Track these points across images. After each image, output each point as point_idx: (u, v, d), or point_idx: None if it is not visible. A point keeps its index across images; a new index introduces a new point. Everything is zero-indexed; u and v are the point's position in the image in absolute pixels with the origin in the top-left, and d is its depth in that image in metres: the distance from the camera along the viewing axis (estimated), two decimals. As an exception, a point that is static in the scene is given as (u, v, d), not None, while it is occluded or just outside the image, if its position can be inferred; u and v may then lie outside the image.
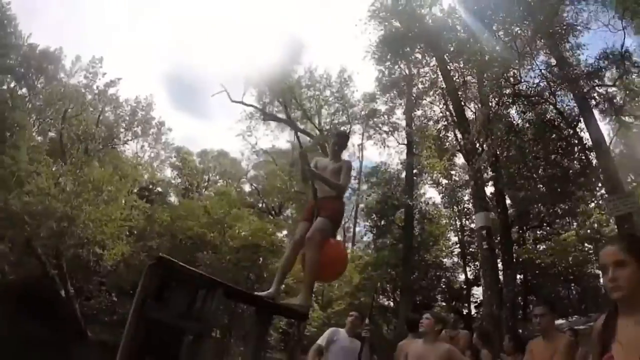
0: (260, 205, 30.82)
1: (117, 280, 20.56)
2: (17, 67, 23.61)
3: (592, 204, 19.14)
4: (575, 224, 20.97)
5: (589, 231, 19.41)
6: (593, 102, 13.23)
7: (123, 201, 20.89)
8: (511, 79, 13.80)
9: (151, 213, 23.07)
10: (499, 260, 14.72)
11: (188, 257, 19.92)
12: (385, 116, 23.15)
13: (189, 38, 46.59)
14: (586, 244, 20.13)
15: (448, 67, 16.48)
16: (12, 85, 23.57)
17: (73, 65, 25.40)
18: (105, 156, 23.17)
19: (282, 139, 33.60)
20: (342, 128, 26.14)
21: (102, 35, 43.69)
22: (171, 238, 23.19)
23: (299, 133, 25.83)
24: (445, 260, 24.92)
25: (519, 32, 13.33)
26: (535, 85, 14.01)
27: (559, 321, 12.45)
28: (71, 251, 19.08)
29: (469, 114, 16.68)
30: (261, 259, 22.83)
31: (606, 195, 12.44)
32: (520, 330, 13.34)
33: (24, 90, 24.28)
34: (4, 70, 22.53)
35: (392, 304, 23.04)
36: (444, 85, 16.82)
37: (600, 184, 13.34)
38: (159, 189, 28.95)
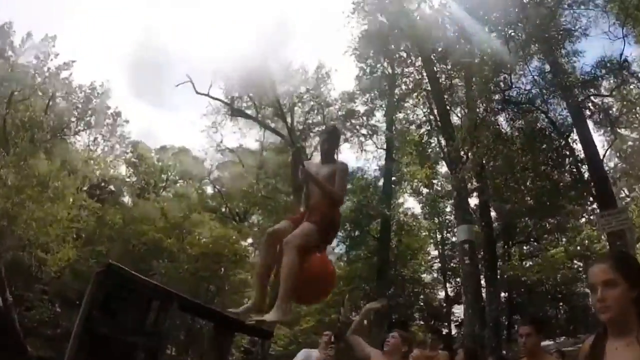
0: (223, 209, 30.65)
1: (62, 289, 20.15)
2: (-41, 40, 22.81)
3: (583, 219, 19.63)
4: (564, 239, 21.51)
5: (578, 248, 19.95)
6: (587, 112, 13.56)
7: (71, 199, 20.38)
8: (501, 84, 14.01)
9: (102, 214, 22.71)
10: (482, 277, 14.97)
11: (141, 265, 19.72)
12: (364, 118, 23.42)
13: (154, 20, 45.94)
14: (575, 261, 20.67)
15: (434, 68, 16.74)
16: (-47, 60, 22.91)
17: (23, 42, 24.57)
18: (53, 148, 22.49)
19: (250, 138, 33.39)
20: (316, 128, 26.22)
21: (56, 11, 42.61)
22: (123, 243, 22.89)
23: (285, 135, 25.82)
24: (424, 275, 25.30)
25: (512, 34, 13.58)
26: (526, 92, 14.19)
27: (546, 342, 12.77)
28: (10, 254, 18.56)
29: (455, 120, 17.03)
30: (223, 269, 22.76)
31: (598, 211, 12.79)
32: (504, 352, 13.62)
33: (-34, 67, 23.36)
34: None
35: (365, 322, 23.20)
36: (429, 88, 17.06)
37: (591, 199, 13.67)
38: (112, 188, 28.40)
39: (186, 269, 21.48)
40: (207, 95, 24.93)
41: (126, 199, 29.60)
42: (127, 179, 30.86)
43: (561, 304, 22.42)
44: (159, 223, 23.16)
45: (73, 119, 25.28)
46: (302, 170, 4.46)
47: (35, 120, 21.68)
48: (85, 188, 23.10)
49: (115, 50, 50.56)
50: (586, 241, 19.46)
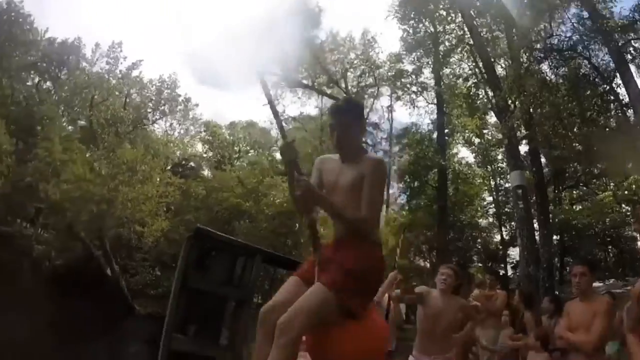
0: (292, 172, 31.02)
1: (159, 255, 21.18)
2: (38, 62, 24.32)
3: (630, 165, 18.51)
4: (612, 184, 20.39)
5: (626, 192, 18.88)
6: (629, 56, 12.54)
7: (158, 179, 21.33)
8: (542, 33, 13.32)
9: (186, 188, 23.54)
10: (534, 221, 14.62)
11: (225, 228, 20.40)
12: (413, 76, 22.91)
13: (202, 13, 46.22)
14: (624, 205, 19.61)
15: (475, 22, 16.08)
16: (36, 80, 24.81)
17: (93, 52, 25.79)
18: (136, 137, 23.62)
19: (309, 105, 33.46)
20: (370, 90, 25.90)
21: (116, 18, 43.89)
22: (208, 211, 23.65)
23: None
24: (480, 220, 24.88)
25: (548, -17, 12.85)
26: (567, 39, 13.43)
27: (596, 284, 12.42)
28: (112, 231, 19.74)
29: (500, 70, 16.39)
30: (297, 225, 23.22)
31: (645, 155, 12.14)
32: (557, 292, 13.34)
33: (49, 83, 25.07)
34: (27, 67, 23.61)
35: (428, 265, 23.26)
36: (472, 42, 16.52)
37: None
38: (192, 164, 29.36)
39: (265, 227, 21.99)
40: (264, 72, 25.00)
41: (206, 172, 30.47)
42: (204, 155, 31.76)
43: (610, 247, 21.35)
44: (236, 189, 23.74)
45: (149, 110, 26.42)
46: (299, 183, 2.46)
47: (116, 116, 22.88)
48: (168, 167, 24.19)
49: (175, 44, 51.42)
50: (633, 186, 18.32)
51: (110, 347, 14.60)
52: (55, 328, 14.31)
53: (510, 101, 14.24)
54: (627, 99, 12.21)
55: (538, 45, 13.52)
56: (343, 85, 25.73)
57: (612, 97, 12.66)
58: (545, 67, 13.92)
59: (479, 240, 24.37)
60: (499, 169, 23.33)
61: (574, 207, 21.24)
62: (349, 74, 26.12)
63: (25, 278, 18.32)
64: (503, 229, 23.69)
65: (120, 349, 14.67)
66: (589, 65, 13.00)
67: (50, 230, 19.83)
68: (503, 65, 16.64)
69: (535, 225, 14.60)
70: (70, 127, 23.23)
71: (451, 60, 19.18)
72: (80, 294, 16.12)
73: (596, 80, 12.89)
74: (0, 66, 21.60)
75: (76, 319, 15.21)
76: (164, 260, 20.91)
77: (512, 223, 21.21)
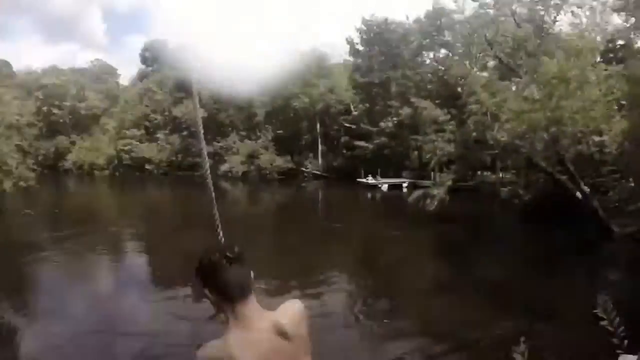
0: None
1: (629, 163, 17.53)
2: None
3: None
4: None
5: None
6: None
7: (594, 77, 17.56)
8: None
9: (628, 73, 18.83)
10: None
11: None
12: None
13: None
14: None
15: None
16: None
17: None
18: (547, 46, 20.85)
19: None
20: None
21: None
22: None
23: None
24: None
25: None
26: None
27: None
28: (571, 150, 17.86)
29: None
30: None
31: None
32: None
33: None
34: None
35: None
36: None
37: None
38: (621, 42, 23.83)
39: None
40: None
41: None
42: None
43: None
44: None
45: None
46: None
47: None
48: (598, 60, 19.99)
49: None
50: None
51: (588, 274, 12.55)
52: (531, 261, 13.87)
53: None
54: None
55: None
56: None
57: None
58: None
59: None
60: None
61: None
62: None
63: (497, 222, 20.89)
64: None
65: (599, 277, 12.36)
66: None
67: (511, 171, 21.29)
68: None
69: None
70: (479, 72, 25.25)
71: None
72: (551, 223, 16.35)
73: None
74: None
75: (549, 249, 14.88)
76: (637, 168, 17.17)
77: None
